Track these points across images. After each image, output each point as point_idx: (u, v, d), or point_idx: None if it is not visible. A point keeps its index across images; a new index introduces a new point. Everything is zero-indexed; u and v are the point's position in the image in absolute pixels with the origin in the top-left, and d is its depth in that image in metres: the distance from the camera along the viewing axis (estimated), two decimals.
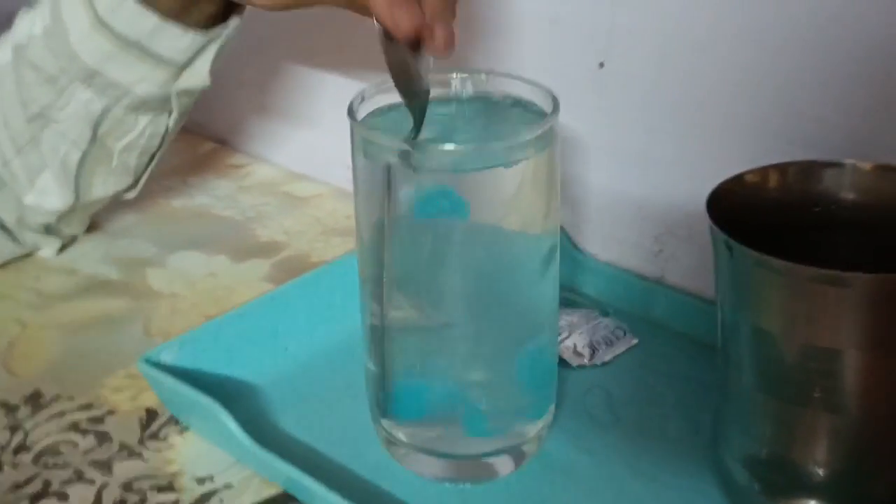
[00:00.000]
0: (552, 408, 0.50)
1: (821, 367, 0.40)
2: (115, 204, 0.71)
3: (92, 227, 0.72)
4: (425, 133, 0.45)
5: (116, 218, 0.74)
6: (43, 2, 0.59)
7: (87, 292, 0.66)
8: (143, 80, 0.58)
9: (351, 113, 0.46)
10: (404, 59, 0.44)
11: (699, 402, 0.52)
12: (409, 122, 0.45)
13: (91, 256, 0.70)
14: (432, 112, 0.46)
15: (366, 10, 0.44)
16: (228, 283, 0.67)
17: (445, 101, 0.48)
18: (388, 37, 0.44)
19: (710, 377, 0.47)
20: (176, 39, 0.56)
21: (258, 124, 0.85)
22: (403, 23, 0.43)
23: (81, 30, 0.56)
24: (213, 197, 0.79)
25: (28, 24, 0.59)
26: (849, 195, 0.45)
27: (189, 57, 0.58)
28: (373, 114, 0.47)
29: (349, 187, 0.48)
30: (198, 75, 0.58)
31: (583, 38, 0.61)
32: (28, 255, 0.69)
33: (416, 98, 0.44)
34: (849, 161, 0.45)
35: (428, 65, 0.45)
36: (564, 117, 0.46)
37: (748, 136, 0.56)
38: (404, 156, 0.43)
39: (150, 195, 0.71)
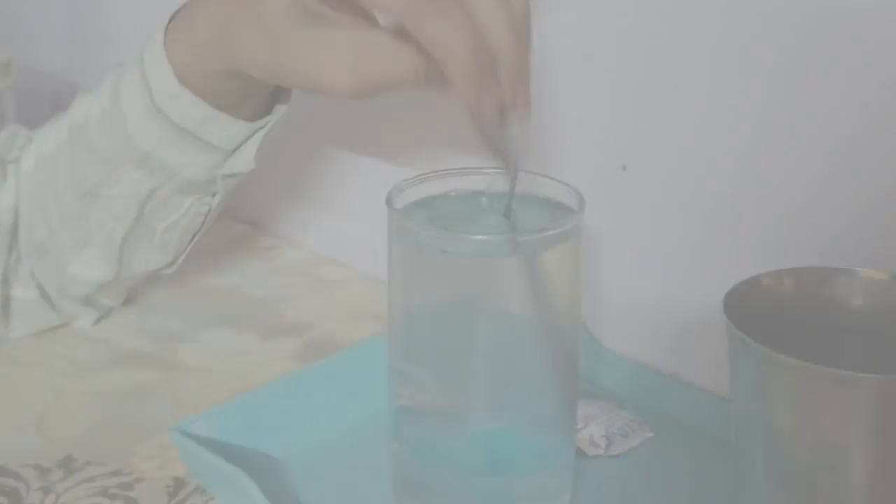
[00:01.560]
0: (568, 496, 0.52)
1: (830, 463, 0.41)
2: (150, 280, 0.73)
3: (126, 301, 0.74)
4: (459, 223, 0.47)
5: (150, 293, 0.76)
6: (104, 87, 0.62)
7: (120, 363, 0.68)
8: (192, 164, 0.61)
9: (389, 203, 0.48)
10: (497, 133, 0.48)
11: (711, 496, 0.53)
12: (443, 213, 0.48)
13: (125, 329, 0.72)
14: (464, 204, 0.49)
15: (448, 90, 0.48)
16: (257, 360, 0.69)
17: (478, 195, 0.51)
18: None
19: (722, 472, 0.48)
20: (226, 128, 0.59)
21: (289, 208, 0.88)
22: (487, 106, 0.47)
23: (139, 117, 0.59)
24: (243, 276, 0.81)
25: (87, 107, 0.63)
26: (859, 301, 0.47)
27: (237, 144, 0.60)
28: (412, 204, 0.50)
29: (375, 272, 0.50)
30: (244, 161, 0.61)
31: (607, 142, 0.63)
32: (63, 325, 0.71)
33: (510, 165, 0.49)
34: (859, 269, 0.48)
35: (515, 129, 0.49)
36: (588, 216, 0.49)
37: (764, 240, 0.58)
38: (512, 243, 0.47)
39: (183, 273, 0.74)
